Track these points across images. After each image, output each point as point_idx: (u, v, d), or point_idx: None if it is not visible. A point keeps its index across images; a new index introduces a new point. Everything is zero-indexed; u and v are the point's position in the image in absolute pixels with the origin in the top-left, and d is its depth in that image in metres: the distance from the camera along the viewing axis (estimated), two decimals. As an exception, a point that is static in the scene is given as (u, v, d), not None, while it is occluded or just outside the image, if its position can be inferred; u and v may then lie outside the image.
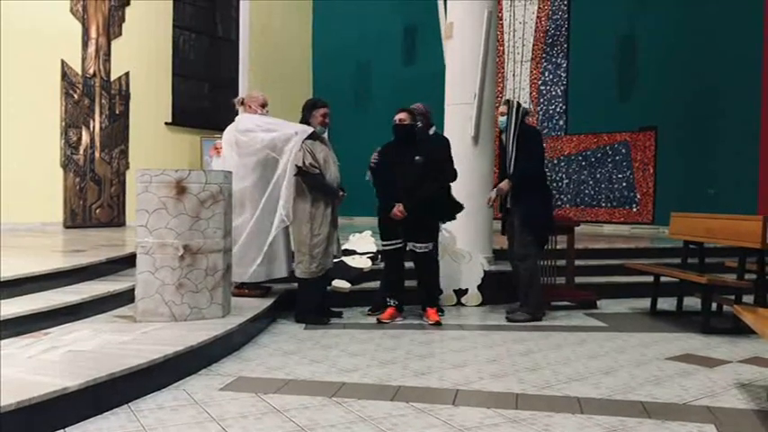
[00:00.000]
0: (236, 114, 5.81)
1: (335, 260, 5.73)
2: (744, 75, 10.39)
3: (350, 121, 12.69)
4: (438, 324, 5.43)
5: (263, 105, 5.73)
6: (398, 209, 5.41)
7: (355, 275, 6.27)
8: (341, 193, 5.46)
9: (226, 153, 5.54)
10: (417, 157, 5.44)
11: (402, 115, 5.60)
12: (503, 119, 5.63)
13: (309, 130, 5.37)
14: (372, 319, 5.60)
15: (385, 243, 5.65)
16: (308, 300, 5.43)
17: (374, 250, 6.80)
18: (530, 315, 5.58)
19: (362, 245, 6.89)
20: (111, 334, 4.08)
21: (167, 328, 4.26)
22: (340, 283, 6.08)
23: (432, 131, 5.99)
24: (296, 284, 5.52)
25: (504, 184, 5.57)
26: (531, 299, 5.62)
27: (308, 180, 5.30)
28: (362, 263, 6.45)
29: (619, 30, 11.46)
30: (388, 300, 5.64)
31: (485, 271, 6.28)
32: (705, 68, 10.69)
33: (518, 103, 5.71)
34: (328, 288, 5.80)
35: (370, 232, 7.32)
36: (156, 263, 4.44)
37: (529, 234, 5.54)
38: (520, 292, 5.70)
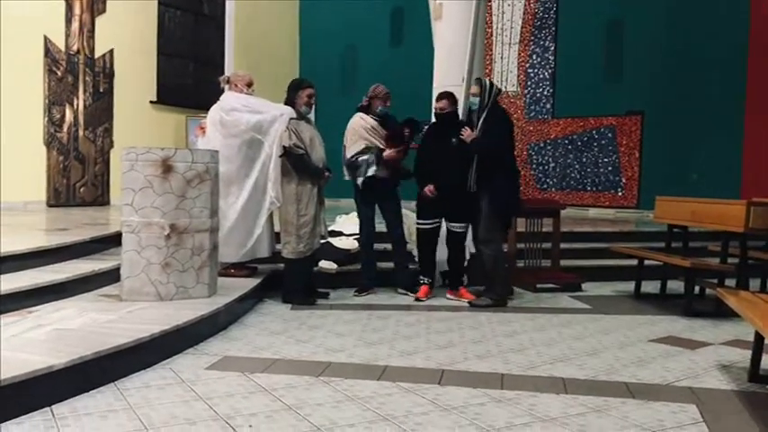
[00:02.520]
0: (222, 93, 5.76)
1: (322, 241, 5.73)
2: (730, 61, 10.45)
3: (336, 102, 12.58)
4: (471, 304, 5.50)
5: (249, 85, 5.68)
6: (429, 188, 5.58)
7: (342, 257, 6.27)
8: (326, 173, 5.45)
9: (210, 132, 5.50)
10: (453, 140, 5.53)
11: (442, 103, 5.71)
12: (474, 99, 5.61)
13: (292, 111, 5.34)
14: (359, 300, 5.63)
15: (422, 222, 5.74)
16: (294, 280, 5.43)
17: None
18: (493, 300, 5.51)
19: (349, 226, 6.88)
20: (97, 313, 4.06)
21: (153, 308, 4.25)
22: (327, 264, 6.08)
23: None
24: (282, 265, 5.51)
25: (469, 133, 5.46)
26: (496, 284, 5.57)
27: (293, 160, 5.28)
28: (349, 244, 6.45)
29: (607, 13, 11.47)
30: (421, 278, 5.79)
31: (470, 253, 6.29)
32: (692, 53, 10.74)
33: (491, 82, 5.69)
34: (315, 269, 5.80)
35: (356, 214, 7.31)
36: (141, 242, 4.41)
37: (494, 217, 5.51)
38: (484, 276, 5.68)
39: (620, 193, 11.43)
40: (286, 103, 5.47)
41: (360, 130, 5.80)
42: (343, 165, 5.91)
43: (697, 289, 5.74)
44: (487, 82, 5.66)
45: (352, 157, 5.78)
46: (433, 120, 5.90)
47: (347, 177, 5.92)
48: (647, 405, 3.16)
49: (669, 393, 3.35)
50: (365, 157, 5.74)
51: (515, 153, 6.03)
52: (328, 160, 5.54)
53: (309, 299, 5.43)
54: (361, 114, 5.90)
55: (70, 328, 3.69)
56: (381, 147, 5.76)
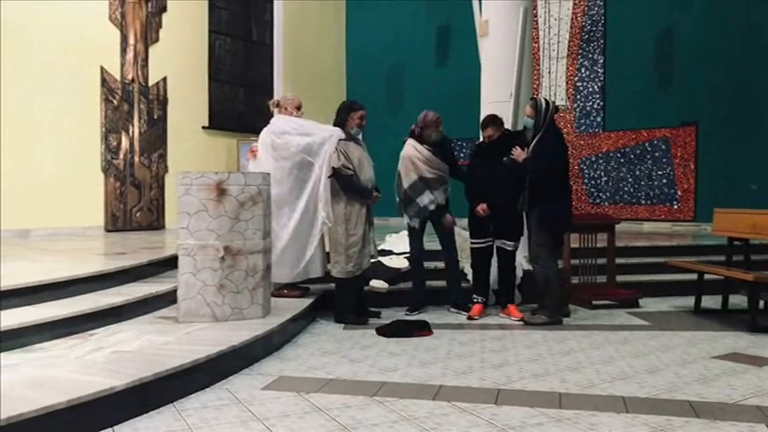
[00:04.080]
0: (271, 117, 5.85)
1: (372, 260, 5.74)
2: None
3: (383, 122, 12.69)
4: (522, 321, 5.47)
5: (299, 108, 5.76)
6: (482, 207, 5.57)
7: (392, 276, 6.27)
8: (375, 193, 5.47)
9: (261, 155, 5.58)
10: (505, 158, 5.51)
11: (489, 131, 5.69)
12: (529, 121, 5.52)
13: (341, 132, 5.39)
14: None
15: (475, 241, 5.73)
16: (346, 300, 5.45)
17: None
18: (548, 318, 5.42)
19: (399, 245, 6.88)
20: (155, 335, 4.14)
21: (209, 329, 4.31)
22: (377, 284, 6.08)
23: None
24: (334, 285, 5.53)
25: (520, 152, 5.42)
26: (549, 302, 5.48)
27: (342, 181, 5.32)
28: (399, 263, 6.45)
29: (657, 23, 11.28)
30: (474, 297, 5.76)
31: (524, 270, 6.21)
32: (746, 61, 10.47)
33: (546, 101, 5.51)
34: (366, 288, 5.81)
35: (406, 232, 7.31)
36: (197, 264, 4.50)
37: (543, 234, 5.42)
38: (538, 293, 5.60)
39: (675, 206, 11.16)
40: (335, 125, 5.52)
41: (414, 162, 5.82)
42: (397, 194, 5.98)
43: (761, 304, 5.54)
44: (543, 101, 5.48)
45: (408, 191, 5.83)
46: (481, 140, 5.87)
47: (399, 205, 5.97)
48: (712, 425, 3.05)
49: (736, 412, 3.23)
50: (425, 203, 5.78)
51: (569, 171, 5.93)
52: (376, 180, 5.57)
53: (361, 318, 5.44)
54: (413, 143, 5.91)
55: (129, 350, 3.77)
56: (432, 177, 5.76)
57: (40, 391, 2.95)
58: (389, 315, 5.66)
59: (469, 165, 5.87)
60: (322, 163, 5.36)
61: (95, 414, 2.94)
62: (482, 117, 6.64)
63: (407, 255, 6.64)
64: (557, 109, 5.63)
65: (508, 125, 6.39)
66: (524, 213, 5.61)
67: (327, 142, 5.37)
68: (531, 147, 5.45)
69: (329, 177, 5.31)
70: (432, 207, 5.80)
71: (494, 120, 5.75)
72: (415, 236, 5.96)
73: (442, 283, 6.04)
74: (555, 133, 5.58)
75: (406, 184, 5.85)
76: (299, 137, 5.46)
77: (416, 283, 5.98)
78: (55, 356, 3.61)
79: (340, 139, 5.36)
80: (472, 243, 5.77)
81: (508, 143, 5.60)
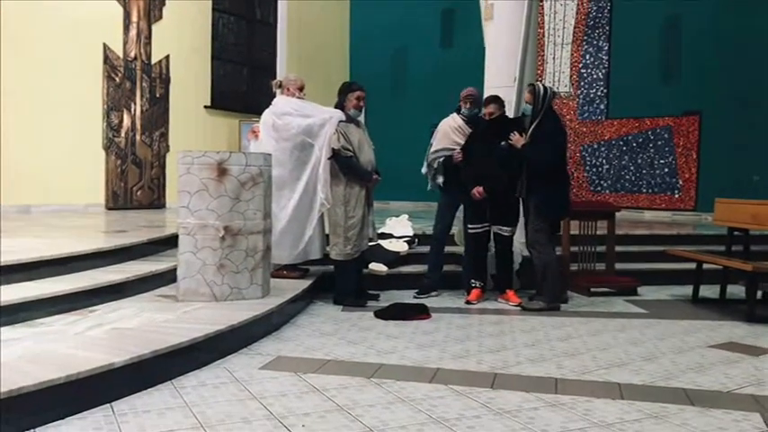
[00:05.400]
0: (274, 97, 5.84)
1: (371, 243, 5.75)
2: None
3: (387, 105, 12.67)
4: (520, 306, 5.48)
5: (301, 89, 5.74)
6: (478, 190, 5.53)
7: (392, 259, 6.28)
8: (375, 176, 5.47)
9: (263, 136, 5.57)
10: (503, 143, 5.49)
11: (490, 108, 5.67)
12: (528, 107, 5.52)
13: (342, 114, 5.39)
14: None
15: (472, 226, 5.73)
16: (345, 282, 5.46)
17: (411, 234, 6.81)
18: (545, 304, 5.44)
19: (399, 228, 6.90)
20: (154, 312, 4.16)
21: (208, 308, 4.33)
22: (377, 266, 6.10)
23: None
24: (333, 267, 5.55)
25: (518, 138, 5.42)
26: (546, 288, 5.50)
27: (341, 163, 5.32)
28: (399, 246, 6.46)
29: (663, 11, 11.20)
30: (473, 282, 5.75)
31: (522, 256, 6.22)
32: (751, 51, 10.41)
33: (544, 87, 5.52)
34: (365, 271, 5.82)
35: (406, 216, 7.33)
36: (197, 243, 4.50)
37: (541, 220, 5.44)
38: (536, 279, 5.62)
39: (676, 196, 11.14)
40: (336, 107, 5.51)
41: (445, 128, 5.95)
42: (426, 165, 6.06)
43: (759, 294, 5.56)
44: (541, 87, 5.51)
45: (433, 155, 5.92)
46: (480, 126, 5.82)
47: (424, 171, 6.06)
48: (707, 412, 3.07)
49: (731, 401, 3.25)
50: (437, 163, 5.88)
51: (567, 156, 5.93)
52: (378, 163, 5.56)
53: (360, 300, 5.46)
54: (453, 114, 6.03)
55: (129, 327, 3.79)
56: (457, 148, 5.77)
57: (39, 365, 2.97)
58: (388, 298, 5.68)
59: (466, 148, 5.77)
60: (322, 144, 5.35)
61: (94, 390, 2.96)
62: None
63: (407, 238, 6.66)
64: (554, 94, 5.63)
65: (511, 110, 6.38)
66: (521, 199, 5.61)
67: (328, 123, 5.35)
68: (529, 132, 5.44)
69: (329, 159, 5.31)
70: (440, 178, 5.90)
71: (497, 99, 5.75)
72: (442, 212, 5.98)
73: (454, 266, 6.08)
74: (554, 119, 5.59)
75: (434, 148, 5.94)
76: (300, 118, 5.45)
77: (431, 266, 5.98)
78: (55, 332, 3.63)
79: (340, 121, 5.35)
80: (469, 228, 5.77)
81: (506, 128, 5.58)
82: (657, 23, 11.26)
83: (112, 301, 4.43)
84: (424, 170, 6.09)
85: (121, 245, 5.35)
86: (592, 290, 6.18)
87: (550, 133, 5.42)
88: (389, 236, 6.69)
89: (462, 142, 5.79)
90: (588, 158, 11.97)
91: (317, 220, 5.52)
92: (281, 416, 2.93)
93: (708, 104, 10.75)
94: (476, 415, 2.98)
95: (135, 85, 9.78)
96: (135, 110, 9.79)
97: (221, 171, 4.52)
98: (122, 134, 9.65)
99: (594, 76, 11.87)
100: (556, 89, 9.98)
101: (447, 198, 5.98)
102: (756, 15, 10.35)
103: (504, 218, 5.64)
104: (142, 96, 9.88)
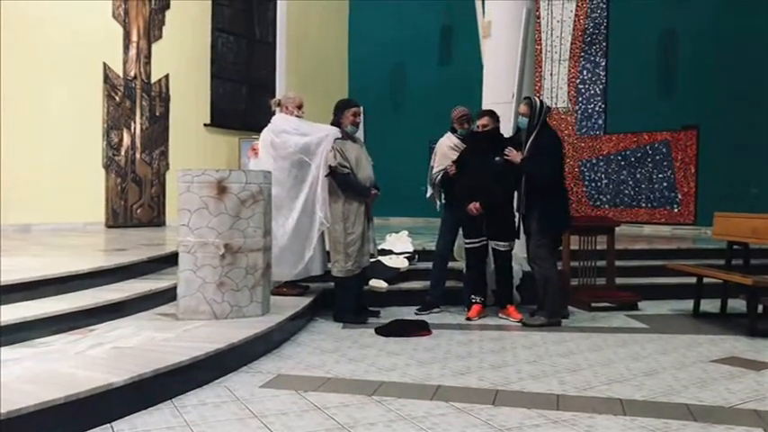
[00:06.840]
0: (273, 115, 5.86)
1: (372, 259, 5.75)
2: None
3: (386, 121, 12.72)
4: (521, 322, 5.47)
5: (299, 107, 5.77)
6: (474, 206, 5.52)
7: (392, 275, 6.28)
8: (373, 191, 5.48)
9: (262, 154, 5.58)
10: (497, 158, 5.50)
11: (484, 120, 5.70)
12: (523, 120, 5.55)
13: (338, 131, 5.41)
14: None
15: (469, 241, 5.73)
16: (345, 299, 5.45)
17: (411, 250, 6.80)
18: (546, 319, 5.42)
19: (399, 245, 6.90)
20: (154, 331, 4.15)
21: (208, 326, 4.32)
22: (377, 283, 6.09)
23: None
24: (333, 284, 5.54)
25: (515, 154, 5.43)
26: (548, 303, 5.49)
27: (339, 180, 5.33)
28: (399, 263, 6.46)
29: (659, 27, 11.27)
30: (473, 297, 5.75)
31: (523, 272, 6.22)
32: (748, 65, 10.46)
33: (540, 102, 5.57)
34: (365, 287, 5.82)
35: (406, 232, 7.33)
36: (197, 261, 4.50)
37: (541, 235, 5.44)
38: (537, 295, 5.61)
39: (676, 210, 11.16)
40: (333, 124, 5.54)
41: (443, 149, 5.99)
42: (428, 183, 6.14)
43: (760, 308, 5.55)
44: (537, 101, 5.56)
45: (435, 176, 5.99)
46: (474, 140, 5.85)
47: (429, 194, 6.14)
48: (710, 428, 3.06)
49: (733, 416, 3.23)
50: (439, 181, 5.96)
51: (565, 171, 5.94)
52: (377, 178, 5.58)
53: (360, 317, 5.44)
54: (448, 134, 6.07)
55: (128, 346, 3.77)
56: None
57: (39, 385, 2.96)
58: (389, 314, 5.67)
59: (457, 162, 5.76)
60: (319, 163, 5.36)
61: (94, 410, 2.94)
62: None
63: (407, 254, 6.66)
64: (549, 109, 5.67)
65: (510, 126, 6.41)
66: (522, 215, 5.62)
67: (324, 141, 5.38)
68: (526, 147, 5.46)
69: (326, 176, 5.32)
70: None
71: (491, 112, 5.80)
72: (445, 228, 6.00)
73: (456, 282, 6.08)
74: (551, 133, 5.62)
75: (436, 169, 5.98)
76: (297, 136, 5.47)
77: (433, 283, 5.99)
78: (55, 351, 3.62)
79: (337, 138, 5.37)
80: (466, 243, 5.77)
81: (500, 143, 5.60)
82: (654, 38, 11.32)
83: (112, 319, 4.41)
84: (428, 194, 6.14)
85: (121, 263, 5.35)
86: (592, 305, 6.17)
87: (548, 146, 5.44)
88: (389, 252, 6.69)
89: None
90: (587, 173, 12.00)
91: (318, 237, 5.52)
92: (282, 435, 2.91)
93: (705, 118, 10.79)
94: (477, 432, 2.97)
95: (135, 103, 9.83)
96: (135, 128, 9.83)
97: (221, 189, 4.53)
98: (122, 152, 9.68)
99: (592, 92, 11.92)
100: (551, 104, 10.02)
101: (449, 214, 5.99)
102: (753, 28, 10.41)
103: (501, 232, 5.63)
104: (142, 115, 9.92)
